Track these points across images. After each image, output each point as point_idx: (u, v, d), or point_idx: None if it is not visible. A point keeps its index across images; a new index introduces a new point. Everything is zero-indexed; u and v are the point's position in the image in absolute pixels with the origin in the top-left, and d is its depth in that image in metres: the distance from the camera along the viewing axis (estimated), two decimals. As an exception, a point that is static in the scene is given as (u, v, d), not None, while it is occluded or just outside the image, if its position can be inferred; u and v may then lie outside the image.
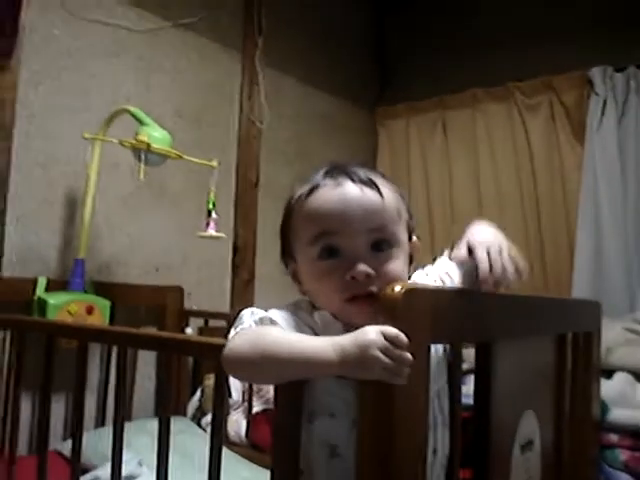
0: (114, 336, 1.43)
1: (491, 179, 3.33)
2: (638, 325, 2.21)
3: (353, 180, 0.89)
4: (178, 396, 2.42)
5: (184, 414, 2.44)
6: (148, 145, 1.96)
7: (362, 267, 0.85)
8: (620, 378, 1.85)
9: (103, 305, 2.17)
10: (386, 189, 0.92)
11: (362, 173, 0.91)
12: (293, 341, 0.79)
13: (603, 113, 3.01)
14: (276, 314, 0.90)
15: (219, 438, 1.08)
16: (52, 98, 2.24)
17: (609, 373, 1.86)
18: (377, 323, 0.75)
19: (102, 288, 2.27)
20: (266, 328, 0.86)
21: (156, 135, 2.02)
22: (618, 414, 1.74)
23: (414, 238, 0.99)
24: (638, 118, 2.97)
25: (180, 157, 2.13)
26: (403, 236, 0.93)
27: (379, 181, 0.92)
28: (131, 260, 2.50)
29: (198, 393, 2.48)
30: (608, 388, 1.77)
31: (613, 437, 1.73)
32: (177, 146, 2.25)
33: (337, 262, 0.87)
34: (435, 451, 0.95)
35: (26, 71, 2.17)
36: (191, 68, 2.77)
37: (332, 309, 0.89)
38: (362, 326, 0.76)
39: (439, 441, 0.97)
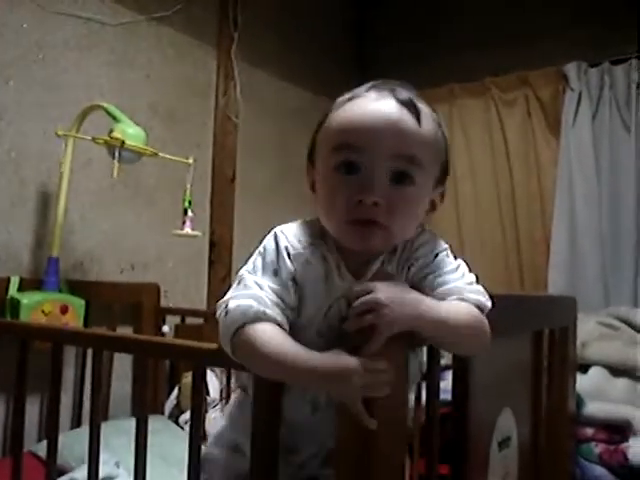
0: (89, 339, 1.41)
1: (467, 173, 3.34)
2: (612, 319, 2.24)
3: (396, 99, 0.83)
4: (155, 395, 2.40)
5: (162, 412, 2.42)
6: (122, 142, 1.92)
7: (372, 194, 0.80)
8: (595, 372, 1.87)
9: (78, 304, 2.14)
10: (429, 119, 0.85)
11: (409, 96, 0.84)
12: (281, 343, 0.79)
13: (578, 108, 3.04)
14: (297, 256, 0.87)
15: (197, 437, 1.07)
16: (23, 93, 2.19)
17: (585, 367, 1.88)
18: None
19: (77, 287, 2.23)
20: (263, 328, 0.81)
21: (130, 132, 1.98)
22: (593, 408, 1.76)
23: (443, 187, 0.93)
24: (612, 113, 3.00)
25: (156, 154, 2.10)
26: (429, 178, 0.88)
27: (425, 107, 0.86)
28: (106, 258, 2.47)
29: (175, 391, 2.46)
30: (583, 382, 1.79)
31: (588, 431, 1.75)
32: (152, 142, 2.22)
33: (352, 180, 0.83)
34: None
35: (-6, 67, 2.13)
36: (166, 63, 2.74)
37: (332, 227, 0.86)
38: (354, 252, 0.83)
39: None
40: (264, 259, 0.88)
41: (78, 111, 2.15)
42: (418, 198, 0.86)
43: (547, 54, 3.12)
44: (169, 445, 2.01)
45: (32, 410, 2.06)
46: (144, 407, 1.23)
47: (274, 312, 0.82)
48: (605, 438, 1.73)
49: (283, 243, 0.88)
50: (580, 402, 1.76)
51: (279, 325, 0.82)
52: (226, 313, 0.82)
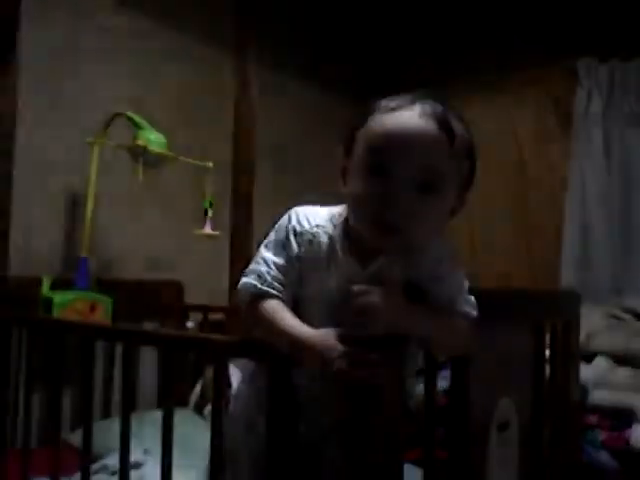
0: (118, 334, 1.52)
1: (480, 170, 3.39)
2: (620, 311, 2.31)
3: (436, 119, 0.91)
4: (180, 387, 2.50)
5: (186, 405, 2.53)
6: (145, 148, 2.04)
7: (398, 202, 0.90)
8: (600, 362, 1.94)
9: (106, 302, 2.26)
10: (462, 139, 0.94)
11: (446, 115, 0.93)
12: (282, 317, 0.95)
13: (589, 104, 3.10)
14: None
15: (219, 428, 1.17)
16: (52, 103, 2.32)
17: (590, 358, 1.95)
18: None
19: (105, 285, 2.35)
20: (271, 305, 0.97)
21: (152, 138, 2.10)
22: (598, 396, 1.83)
23: (465, 196, 1.01)
24: (622, 109, 3.05)
25: (176, 159, 2.20)
26: (452, 188, 0.95)
27: (459, 128, 0.94)
28: (132, 257, 2.59)
29: (199, 384, 2.57)
30: (588, 371, 1.86)
31: (593, 418, 1.83)
32: (173, 146, 2.34)
33: (381, 182, 0.91)
34: None
35: (26, 78, 2.24)
36: (185, 68, 2.85)
37: (357, 220, 0.96)
38: (372, 249, 0.94)
39: None
40: (275, 235, 1.02)
41: (104, 118, 2.27)
42: (440, 208, 0.96)
43: (558, 51, 3.17)
44: (193, 435, 2.11)
45: (65, 402, 2.19)
46: (170, 398, 1.33)
47: (273, 288, 0.98)
48: (609, 425, 1.81)
49: (293, 222, 1.01)
50: (585, 391, 1.83)
51: (278, 298, 0.97)
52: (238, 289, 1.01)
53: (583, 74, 3.09)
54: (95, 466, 1.86)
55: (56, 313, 2.08)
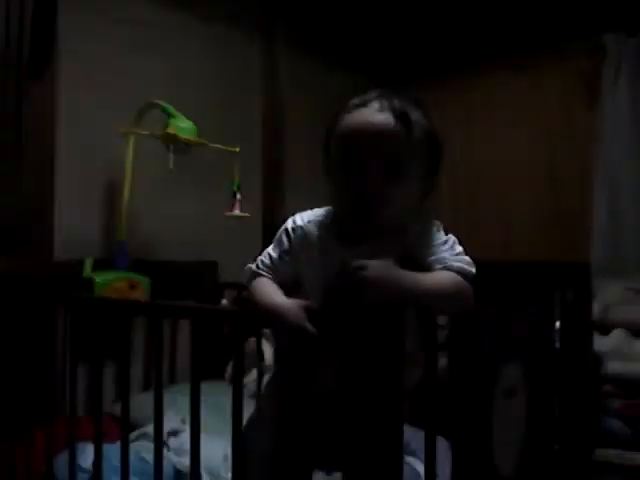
0: (152, 309, 1.64)
1: (509, 148, 3.44)
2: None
3: (393, 112, 1.03)
4: (217, 361, 2.63)
5: (222, 377, 2.66)
6: (175, 136, 2.15)
7: (370, 188, 1.03)
8: (616, 334, 1.99)
9: (144, 281, 2.40)
10: (418, 127, 1.06)
11: (403, 107, 1.04)
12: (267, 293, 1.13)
13: (617, 78, 3.08)
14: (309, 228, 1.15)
15: (239, 395, 1.29)
16: (89, 95, 2.45)
17: (607, 330, 2.00)
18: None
19: (143, 266, 2.49)
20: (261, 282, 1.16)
21: (183, 126, 2.21)
22: (613, 367, 1.88)
23: (435, 178, 1.13)
24: (651, 82, 3.03)
25: (205, 144, 2.31)
26: (420, 170, 1.08)
27: (416, 117, 1.05)
28: (168, 238, 2.72)
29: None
30: (605, 343, 1.92)
31: (608, 387, 1.88)
32: (205, 132, 2.45)
33: (355, 175, 1.04)
34: None
35: (65, 71, 2.38)
36: (214, 57, 2.95)
37: (340, 212, 1.11)
38: (361, 236, 1.07)
39: None
40: (278, 234, 1.20)
41: (137, 108, 2.39)
42: (408, 190, 1.07)
43: (584, 26, 3.16)
44: (227, 405, 2.24)
45: (109, 376, 2.34)
46: (200, 369, 1.44)
47: (265, 272, 1.18)
48: (624, 394, 1.86)
49: (289, 224, 1.18)
50: (600, 361, 1.88)
51: (268, 279, 1.17)
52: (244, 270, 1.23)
53: (611, 48, 3.07)
54: (134, 433, 2.01)
55: (98, 292, 2.23)
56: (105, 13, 2.49)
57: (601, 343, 1.83)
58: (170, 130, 2.17)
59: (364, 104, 1.05)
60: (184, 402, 2.12)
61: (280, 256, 1.17)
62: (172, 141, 2.18)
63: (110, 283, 2.27)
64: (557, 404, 1.66)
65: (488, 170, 3.54)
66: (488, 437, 1.29)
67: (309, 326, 1.03)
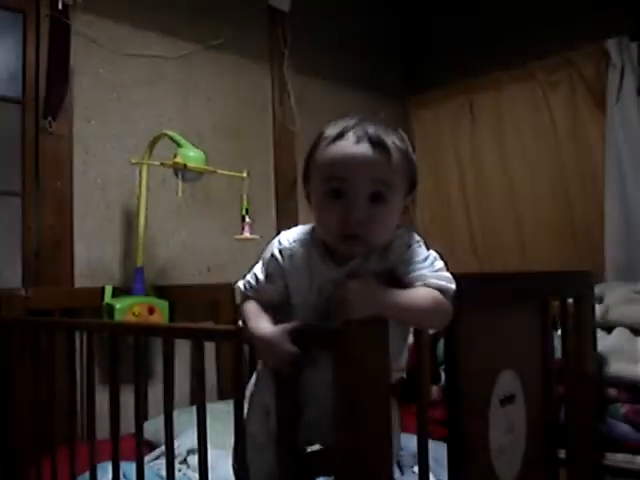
0: (161, 331, 1.71)
1: (519, 157, 3.47)
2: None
3: (370, 141, 1.07)
4: (236, 381, 2.69)
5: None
6: (184, 165, 2.24)
7: (355, 215, 1.07)
8: (618, 333, 2.00)
9: (162, 305, 2.48)
10: (395, 151, 1.09)
11: (379, 135, 1.08)
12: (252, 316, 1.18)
13: (622, 83, 3.09)
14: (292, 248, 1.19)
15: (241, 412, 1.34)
16: (102, 129, 2.57)
17: (609, 329, 2.01)
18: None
19: (161, 290, 2.58)
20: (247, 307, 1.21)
21: (191, 155, 2.30)
22: (616, 368, 1.90)
23: (412, 195, 1.17)
24: (656, 85, 3.04)
25: (214, 172, 2.40)
26: (399, 192, 1.12)
27: (392, 142, 1.09)
28: (185, 263, 2.81)
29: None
30: (607, 342, 1.93)
31: (613, 391, 1.89)
32: (217, 158, 2.54)
33: (339, 204, 1.08)
34: None
35: (78, 108, 2.50)
36: (224, 85, 3.05)
37: (326, 237, 1.14)
38: (347, 256, 1.11)
39: None
40: (264, 255, 1.23)
41: (150, 139, 2.50)
42: (391, 212, 1.11)
43: (588, 32, 3.19)
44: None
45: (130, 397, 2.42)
46: (203, 391, 1.50)
47: (253, 294, 1.22)
48: (629, 398, 1.87)
49: (275, 245, 1.21)
50: (603, 362, 1.90)
51: (256, 301, 1.21)
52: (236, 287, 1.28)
53: (614, 53, 3.09)
54: (156, 452, 2.08)
55: (117, 317, 2.31)
56: (116, 49, 2.61)
57: (603, 342, 1.85)
58: (178, 159, 2.26)
59: (341, 136, 1.09)
60: (207, 420, 2.21)
61: (267, 277, 1.20)
62: (181, 169, 2.27)
63: (129, 308, 2.35)
64: (563, 409, 1.69)
65: (497, 178, 3.58)
66: (484, 443, 1.33)
67: (291, 347, 1.08)
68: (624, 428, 1.84)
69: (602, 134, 3.17)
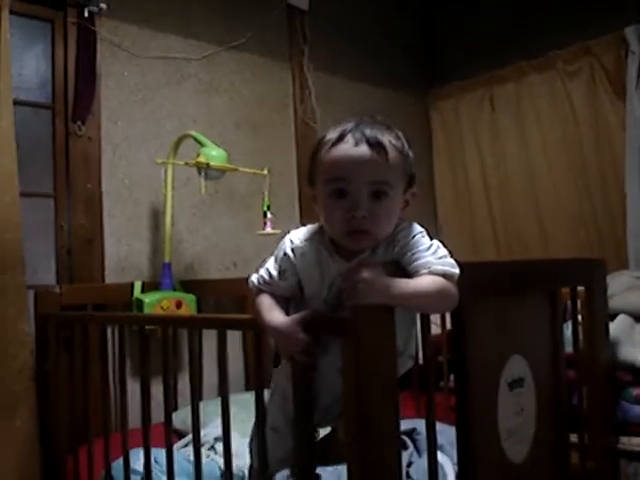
0: (188, 322, 1.80)
1: (539, 147, 3.48)
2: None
3: (368, 142, 1.15)
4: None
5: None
6: (207, 164, 2.33)
7: (360, 211, 1.14)
8: (620, 319, 2.04)
9: (190, 299, 2.57)
10: (392, 150, 1.17)
11: (375, 136, 1.16)
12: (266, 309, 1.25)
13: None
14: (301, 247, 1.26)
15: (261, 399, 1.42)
16: (129, 131, 2.67)
17: (612, 316, 2.04)
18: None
19: (188, 285, 2.67)
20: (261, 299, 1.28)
21: (214, 154, 2.39)
22: (624, 351, 1.94)
23: (412, 189, 1.24)
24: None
25: (236, 169, 2.48)
26: (398, 187, 1.19)
27: (389, 141, 1.17)
28: (211, 259, 2.91)
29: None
30: (610, 329, 1.96)
31: (626, 375, 1.94)
32: (240, 156, 2.62)
33: (344, 202, 1.16)
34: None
35: (106, 111, 2.60)
36: (246, 84, 3.13)
37: (334, 234, 1.21)
38: (355, 251, 1.18)
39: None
40: (277, 252, 1.29)
41: (174, 138, 2.59)
42: (392, 206, 1.19)
43: (606, 20, 3.19)
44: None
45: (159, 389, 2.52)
46: (226, 377, 1.58)
47: (266, 288, 1.28)
48: (633, 380, 1.91)
49: (287, 244, 1.27)
50: (615, 348, 1.93)
51: (269, 293, 1.28)
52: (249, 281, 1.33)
53: (633, 40, 3.08)
54: (186, 439, 2.18)
55: (147, 311, 2.41)
56: (140, 53, 2.71)
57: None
58: (201, 158, 2.35)
59: (341, 139, 1.16)
60: (233, 409, 2.30)
61: (280, 274, 1.27)
62: (204, 168, 2.36)
63: (157, 303, 2.44)
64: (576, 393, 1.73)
65: (518, 168, 3.60)
66: (493, 425, 1.38)
67: (303, 336, 1.16)
68: (637, 409, 1.89)
69: (622, 122, 3.16)
